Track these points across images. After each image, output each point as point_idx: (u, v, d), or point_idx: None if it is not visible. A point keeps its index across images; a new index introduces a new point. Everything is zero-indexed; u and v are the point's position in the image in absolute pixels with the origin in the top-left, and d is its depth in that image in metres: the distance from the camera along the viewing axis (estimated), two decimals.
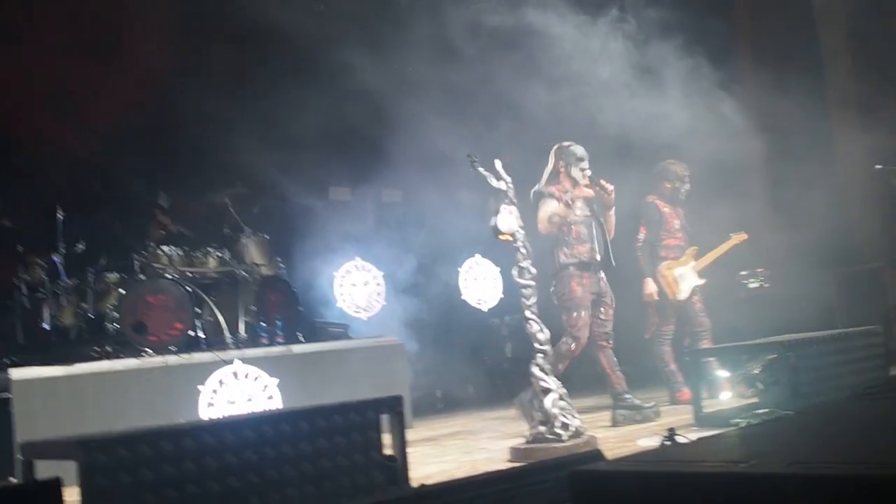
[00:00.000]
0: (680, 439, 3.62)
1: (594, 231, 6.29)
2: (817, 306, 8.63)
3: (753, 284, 9.83)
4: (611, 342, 6.33)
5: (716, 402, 5.54)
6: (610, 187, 6.22)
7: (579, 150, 6.36)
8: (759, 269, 9.80)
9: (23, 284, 7.21)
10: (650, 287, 7.21)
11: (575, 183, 6.31)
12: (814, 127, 8.50)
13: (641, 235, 7.39)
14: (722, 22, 7.55)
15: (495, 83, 8.36)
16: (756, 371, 5.30)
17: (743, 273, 9.86)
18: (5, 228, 7.42)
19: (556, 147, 6.46)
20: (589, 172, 6.30)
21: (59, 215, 7.38)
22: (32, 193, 8.33)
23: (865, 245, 9.68)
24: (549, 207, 6.20)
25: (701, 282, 7.50)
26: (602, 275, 6.33)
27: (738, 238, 7.77)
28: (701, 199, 7.75)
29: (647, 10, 7.36)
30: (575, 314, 6.15)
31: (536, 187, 6.34)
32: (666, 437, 3.79)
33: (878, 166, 7.72)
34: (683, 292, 7.39)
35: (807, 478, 1.61)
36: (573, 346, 6.15)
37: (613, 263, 6.34)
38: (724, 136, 7.41)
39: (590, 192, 6.30)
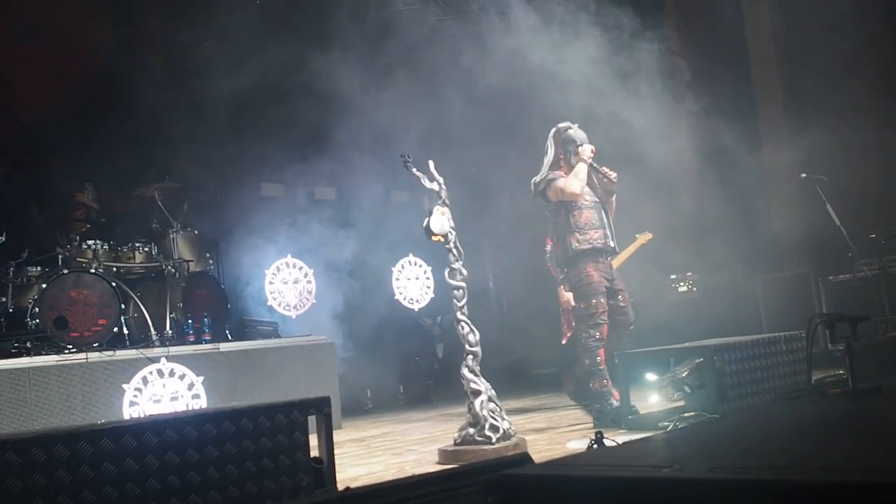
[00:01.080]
0: (608, 443, 3.66)
1: (604, 217, 6.18)
2: (745, 311, 8.82)
3: (683, 288, 10.01)
4: (631, 328, 6.21)
5: (644, 406, 5.60)
6: (613, 174, 6.15)
7: (579, 133, 6.21)
8: (689, 273, 9.99)
9: None
10: (565, 295, 7.11)
11: (574, 167, 6.16)
12: (743, 135, 8.67)
13: (549, 247, 7.41)
14: (655, 32, 7.63)
15: (430, 84, 8.35)
16: (683, 374, 5.38)
17: (673, 276, 10.04)
18: None
19: (553, 132, 6.28)
20: (590, 154, 6.14)
21: None
22: None
23: (792, 252, 9.91)
24: (561, 181, 6.08)
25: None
26: (611, 261, 6.24)
27: (643, 238, 7.89)
28: (632, 203, 7.83)
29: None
30: (594, 301, 5.97)
31: (537, 177, 6.20)
32: (594, 440, 3.83)
33: (803, 175, 7.92)
34: None
35: (728, 483, 1.63)
36: (597, 334, 5.94)
37: (617, 250, 6.32)
38: (656, 141, 7.49)
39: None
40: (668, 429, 4.72)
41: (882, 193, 8.67)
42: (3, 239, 7.15)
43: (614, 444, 3.43)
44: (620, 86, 7.08)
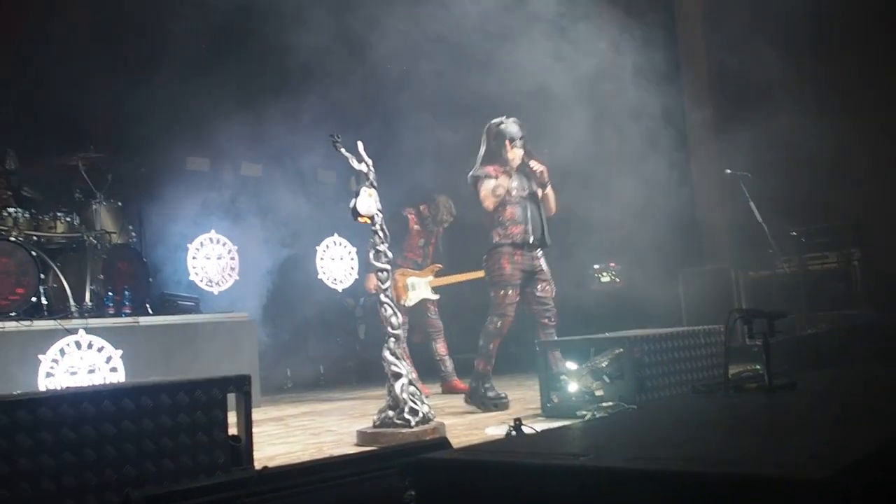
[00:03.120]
0: (526, 430, 3.71)
1: (528, 212, 6.29)
2: (666, 303, 9.00)
3: (605, 278, 10.17)
4: (553, 320, 6.36)
5: (562, 394, 5.69)
6: (540, 167, 6.27)
7: (512, 127, 6.30)
8: (612, 264, 10.15)
9: None
10: (372, 280, 6.77)
11: (507, 162, 6.28)
12: (670, 127, 8.81)
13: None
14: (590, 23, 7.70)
15: (365, 60, 8.30)
16: (603, 364, 5.47)
17: (595, 267, 10.19)
18: None
19: (486, 126, 6.41)
20: (520, 151, 6.26)
21: None
22: None
23: (713, 246, 10.14)
24: (490, 184, 6.22)
25: (434, 297, 8.04)
26: (538, 253, 6.36)
27: (472, 275, 8.02)
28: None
29: None
30: (502, 292, 6.20)
31: (471, 171, 6.34)
32: (512, 426, 3.88)
33: (727, 170, 8.10)
34: (411, 300, 7.86)
35: (643, 472, 1.67)
36: (499, 323, 6.22)
37: (549, 242, 6.40)
38: (581, 128, 7.59)
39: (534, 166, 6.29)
40: (586, 418, 4.82)
41: (805, 191, 8.92)
42: None
43: (533, 431, 3.49)
44: (550, 63, 7.16)
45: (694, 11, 10.75)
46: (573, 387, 5.53)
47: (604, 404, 5.16)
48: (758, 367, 3.35)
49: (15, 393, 3.91)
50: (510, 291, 6.20)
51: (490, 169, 6.28)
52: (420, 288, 7.86)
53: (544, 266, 6.38)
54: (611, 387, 5.43)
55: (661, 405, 4.02)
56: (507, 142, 6.27)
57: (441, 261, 8.20)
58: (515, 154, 6.26)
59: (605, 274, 10.20)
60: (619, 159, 9.03)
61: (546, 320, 6.34)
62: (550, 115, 7.18)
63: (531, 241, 6.27)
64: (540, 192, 6.38)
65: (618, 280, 10.14)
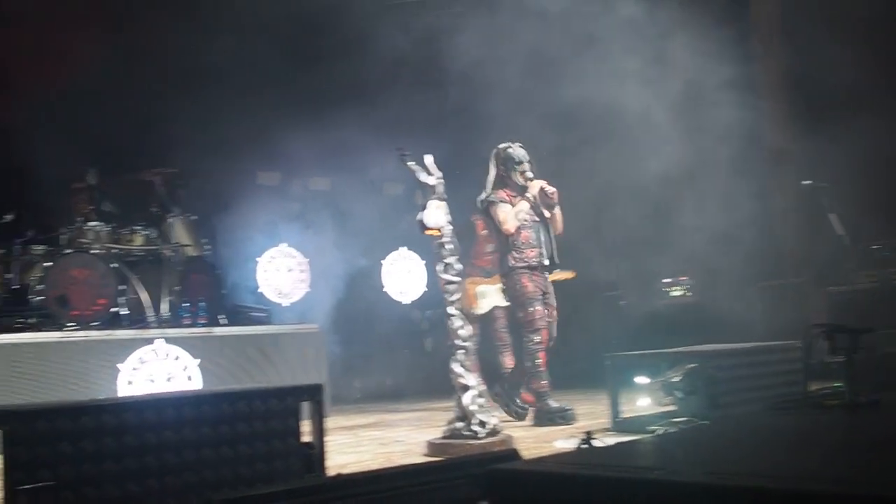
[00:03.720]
0: (596, 443, 3.70)
1: (541, 235, 6.43)
2: (740, 318, 8.83)
3: (676, 292, 10.03)
4: (552, 343, 6.48)
5: (633, 409, 5.65)
6: (551, 190, 6.37)
7: (518, 152, 6.43)
8: (683, 277, 10.00)
9: None
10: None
11: (517, 185, 6.42)
12: (745, 138, 8.67)
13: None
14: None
15: (431, 75, 8.39)
16: (675, 379, 5.40)
17: (666, 280, 10.05)
18: None
19: (493, 151, 6.55)
20: (530, 175, 6.38)
21: None
22: None
23: (790, 260, 9.91)
24: (507, 208, 6.36)
25: (504, 304, 7.77)
26: (547, 275, 6.48)
27: (561, 275, 7.98)
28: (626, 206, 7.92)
29: None
30: (531, 309, 6.30)
31: (483, 195, 6.48)
32: (583, 440, 3.87)
33: (805, 182, 7.90)
34: (482, 308, 7.81)
35: (720, 488, 1.65)
36: (537, 338, 6.29)
37: (558, 262, 6.51)
38: (653, 142, 7.55)
39: (534, 191, 6.39)
40: (658, 433, 4.77)
41: (886, 204, 8.67)
42: (11, 218, 7.25)
43: (603, 445, 3.48)
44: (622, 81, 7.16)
45: (769, 19, 10.57)
46: (644, 402, 5.49)
47: (676, 420, 5.10)
48: (838, 384, 3.27)
49: (100, 398, 4.05)
50: (538, 307, 6.32)
51: (503, 193, 6.42)
52: (491, 295, 7.77)
53: (552, 289, 6.52)
54: (683, 402, 5.35)
55: (737, 421, 3.94)
56: (515, 165, 6.41)
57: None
58: (527, 178, 6.38)
59: (676, 288, 10.06)
60: (692, 172, 8.92)
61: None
62: (624, 128, 7.17)
63: (546, 263, 6.43)
64: (548, 213, 6.50)
65: (689, 294, 9.99)
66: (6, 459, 3.02)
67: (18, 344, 6.23)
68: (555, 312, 6.47)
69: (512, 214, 6.33)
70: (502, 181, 6.47)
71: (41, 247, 7.22)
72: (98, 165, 7.93)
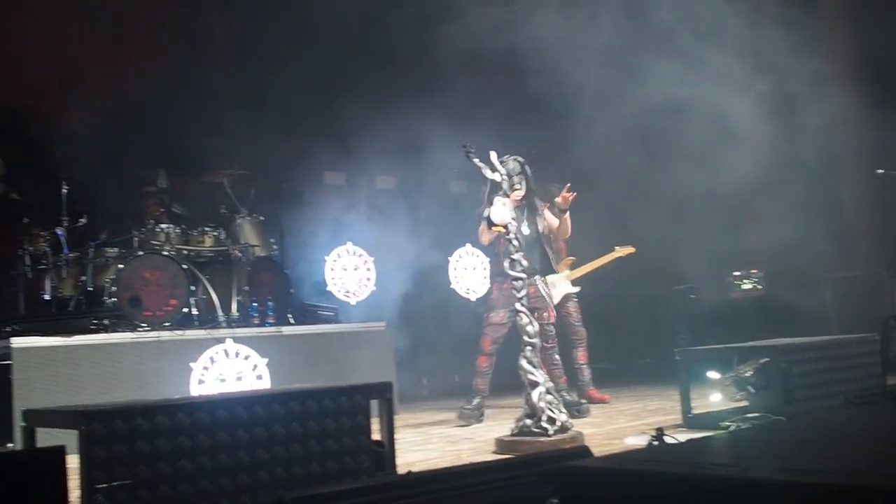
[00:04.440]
0: (668, 440, 3.65)
1: (522, 242, 6.42)
2: (812, 311, 8.64)
3: (746, 286, 9.85)
4: (550, 342, 6.69)
5: (705, 404, 5.56)
6: (569, 195, 6.55)
7: (508, 164, 6.40)
8: (753, 270, 9.82)
9: (27, 256, 7.31)
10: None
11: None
12: (816, 130, 8.48)
13: None
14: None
15: (498, 73, 8.38)
16: (748, 374, 5.30)
17: (736, 273, 9.88)
18: (12, 201, 7.49)
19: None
20: (517, 188, 6.43)
21: (64, 189, 7.44)
22: (39, 168, 8.44)
23: (864, 251, 9.65)
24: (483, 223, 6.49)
25: (574, 290, 7.91)
26: (536, 280, 6.56)
27: (622, 251, 7.95)
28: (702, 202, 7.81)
29: None
30: (489, 314, 6.74)
31: (480, 210, 6.48)
32: (654, 436, 3.82)
33: (879, 171, 7.70)
34: (553, 298, 7.65)
35: (797, 485, 1.62)
36: (481, 340, 6.78)
37: (557, 269, 6.80)
38: (725, 136, 7.43)
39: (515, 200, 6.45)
40: (731, 429, 4.69)
41: None
42: (84, 221, 7.45)
43: (675, 441, 3.43)
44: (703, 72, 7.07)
45: (837, 4, 10.30)
46: (716, 397, 5.40)
47: (749, 415, 5.01)
48: None
49: (174, 397, 4.14)
50: (494, 314, 6.65)
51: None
52: (560, 284, 7.73)
53: (541, 293, 6.61)
54: (756, 397, 5.25)
55: (813, 417, 3.86)
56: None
57: (573, 253, 8.09)
58: (514, 191, 6.39)
59: (746, 281, 9.88)
60: (763, 163, 8.75)
61: (545, 343, 6.51)
62: (692, 119, 7.08)
63: (530, 269, 6.47)
64: (558, 219, 6.73)
65: (760, 287, 9.80)
66: (84, 459, 3.09)
67: (94, 345, 6.41)
68: (545, 315, 6.58)
69: (485, 228, 6.43)
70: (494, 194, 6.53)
71: (114, 249, 7.38)
72: (168, 168, 8.12)
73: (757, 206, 8.76)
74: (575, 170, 8.12)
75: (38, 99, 8.84)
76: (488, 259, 6.80)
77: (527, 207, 6.66)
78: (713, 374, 5.55)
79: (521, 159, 6.58)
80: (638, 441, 4.87)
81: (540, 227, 6.67)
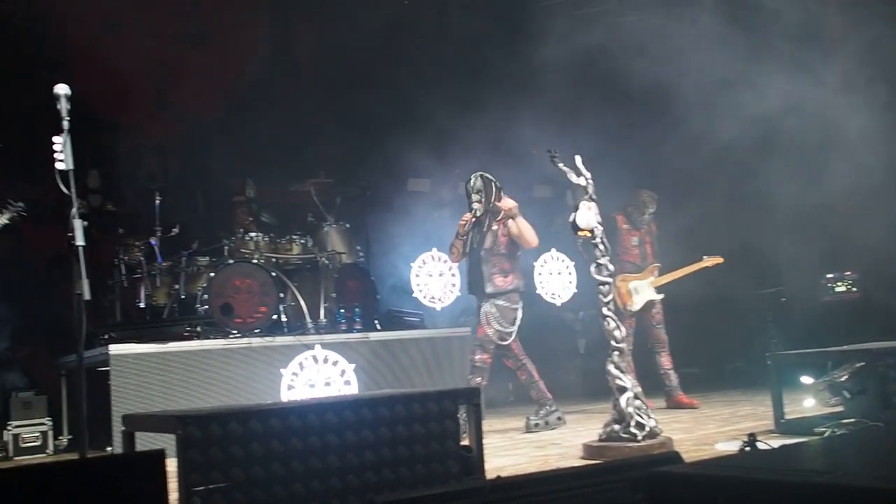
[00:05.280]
0: (761, 445, 3.59)
1: (470, 263, 6.78)
2: None
3: (840, 288, 9.57)
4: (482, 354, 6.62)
5: (798, 409, 5.43)
6: (509, 205, 6.56)
7: (472, 182, 6.68)
8: (847, 272, 9.54)
9: (122, 265, 7.61)
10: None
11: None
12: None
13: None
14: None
15: (580, 77, 8.35)
16: (842, 379, 5.16)
17: (829, 276, 9.61)
18: (109, 212, 7.78)
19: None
20: (475, 207, 6.60)
21: (157, 200, 7.69)
22: (133, 180, 8.77)
23: None
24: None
25: (658, 297, 7.76)
26: (483, 302, 6.62)
27: (710, 261, 7.75)
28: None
29: None
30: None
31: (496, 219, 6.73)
32: (746, 442, 3.76)
33: None
34: (636, 304, 7.65)
35: (893, 492, 1.59)
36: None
37: (488, 291, 6.59)
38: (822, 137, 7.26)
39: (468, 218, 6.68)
40: (826, 435, 4.57)
41: None
42: (177, 231, 7.70)
43: (768, 447, 3.37)
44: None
45: None
46: (809, 402, 5.27)
47: (844, 421, 4.87)
48: None
49: (266, 402, 4.24)
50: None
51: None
52: (643, 290, 7.67)
53: (482, 312, 6.62)
54: (851, 403, 5.11)
55: None
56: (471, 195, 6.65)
57: (660, 259, 7.98)
58: (473, 208, 6.62)
59: (839, 283, 9.60)
60: (859, 163, 8.50)
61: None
62: (788, 123, 6.94)
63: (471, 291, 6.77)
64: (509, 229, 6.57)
65: (854, 289, 9.51)
66: (181, 462, 3.19)
67: (186, 351, 6.60)
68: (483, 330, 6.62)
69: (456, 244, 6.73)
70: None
71: (205, 258, 7.61)
72: (255, 178, 8.32)
73: (852, 208, 8.50)
74: (666, 177, 8.03)
75: (132, 113, 9.18)
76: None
77: (479, 224, 6.70)
78: (806, 379, 5.42)
79: (489, 176, 6.67)
80: (729, 447, 4.78)
81: (487, 244, 6.64)
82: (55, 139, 4.22)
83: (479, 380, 6.48)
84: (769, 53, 7.33)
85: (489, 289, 6.56)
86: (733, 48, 7.15)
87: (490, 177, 6.68)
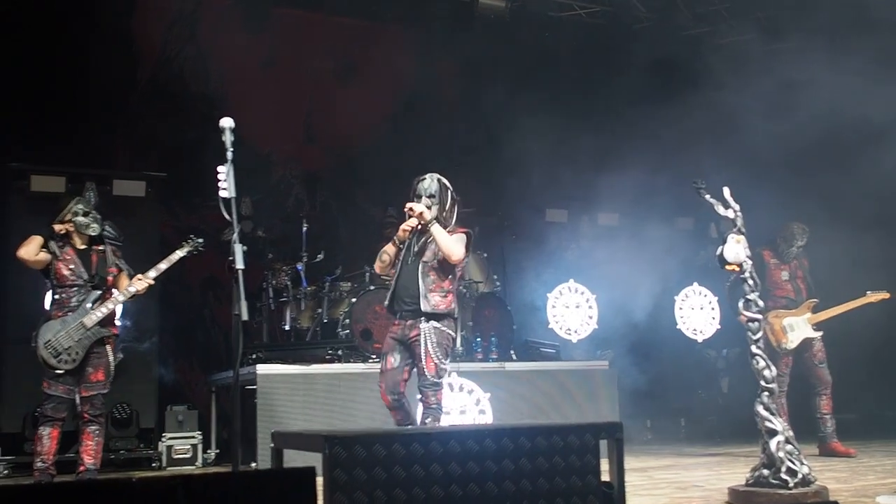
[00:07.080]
0: None
1: (400, 277, 5.68)
2: None
3: None
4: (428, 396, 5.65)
5: None
6: (416, 209, 5.55)
7: (426, 182, 5.72)
8: None
9: (269, 288, 7.94)
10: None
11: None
12: None
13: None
14: None
15: (722, 107, 8.14)
16: None
17: None
18: (258, 238, 8.07)
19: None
20: (427, 210, 5.58)
21: (304, 227, 7.93)
22: (282, 208, 9.11)
23: None
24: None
25: (816, 334, 7.33)
26: (419, 321, 5.53)
27: (875, 296, 7.23)
28: None
29: None
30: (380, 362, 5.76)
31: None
32: None
33: None
34: (792, 342, 7.24)
35: None
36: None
37: (423, 309, 5.50)
38: None
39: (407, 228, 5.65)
40: None
41: None
42: (322, 257, 7.92)
43: None
44: None
45: None
46: None
47: None
48: None
49: (408, 427, 4.26)
50: (384, 360, 5.64)
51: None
52: (800, 327, 7.28)
53: (419, 338, 5.53)
54: None
55: None
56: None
57: (815, 295, 7.52)
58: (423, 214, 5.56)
59: None
60: None
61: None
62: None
63: (401, 307, 5.61)
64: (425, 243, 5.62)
65: None
66: (327, 480, 3.23)
67: (328, 374, 6.79)
68: (423, 365, 5.57)
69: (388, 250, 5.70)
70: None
71: (347, 284, 7.81)
72: (396, 206, 8.46)
73: None
74: (825, 209, 7.68)
75: (281, 144, 9.58)
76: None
77: (423, 233, 5.63)
78: None
79: (447, 183, 5.73)
80: (891, 501, 4.49)
81: (427, 256, 5.59)
82: (219, 168, 4.39)
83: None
84: None
85: (426, 307, 5.49)
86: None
87: (448, 184, 5.74)
